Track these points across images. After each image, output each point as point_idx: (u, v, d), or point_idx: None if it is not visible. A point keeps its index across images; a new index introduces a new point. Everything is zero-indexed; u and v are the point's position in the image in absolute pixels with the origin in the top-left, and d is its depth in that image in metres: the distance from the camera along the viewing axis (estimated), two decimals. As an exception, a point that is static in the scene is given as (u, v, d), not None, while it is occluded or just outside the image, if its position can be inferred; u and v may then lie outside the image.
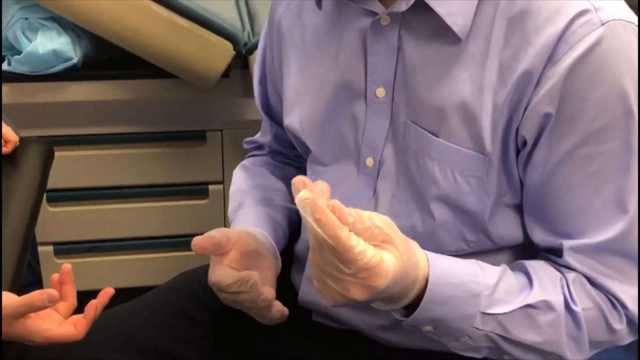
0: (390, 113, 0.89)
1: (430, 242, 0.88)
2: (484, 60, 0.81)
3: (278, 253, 1.00)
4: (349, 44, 0.90)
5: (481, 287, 0.81)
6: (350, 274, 0.72)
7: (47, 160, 1.25)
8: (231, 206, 1.11)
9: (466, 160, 0.84)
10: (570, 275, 0.85)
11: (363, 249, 0.71)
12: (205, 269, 1.17)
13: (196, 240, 0.90)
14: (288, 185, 1.09)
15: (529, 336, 0.83)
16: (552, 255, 0.88)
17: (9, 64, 1.65)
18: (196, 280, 1.14)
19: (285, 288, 1.07)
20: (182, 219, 1.92)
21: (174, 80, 1.71)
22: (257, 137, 1.20)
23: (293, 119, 0.99)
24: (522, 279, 0.85)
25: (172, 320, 1.09)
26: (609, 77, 0.77)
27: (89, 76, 1.70)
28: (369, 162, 0.92)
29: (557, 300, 0.83)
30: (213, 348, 1.08)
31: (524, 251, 0.93)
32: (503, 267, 0.85)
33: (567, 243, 0.85)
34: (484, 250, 0.91)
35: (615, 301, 0.85)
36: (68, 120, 1.75)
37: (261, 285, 0.89)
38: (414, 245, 0.80)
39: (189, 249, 2.13)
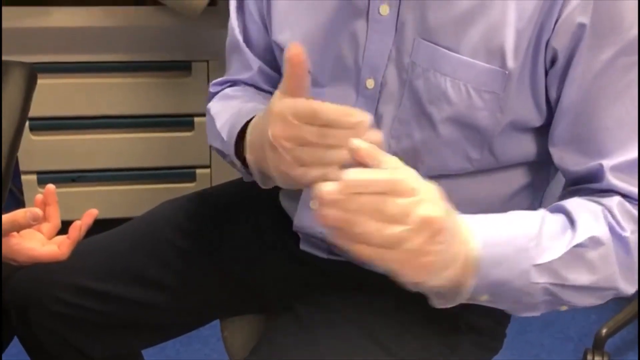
0: (395, 31, 0.87)
1: (432, 162, 0.87)
2: None
3: None
4: None
5: (527, 239, 0.79)
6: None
7: (30, 84, 1.22)
8: (219, 122, 0.98)
9: (481, 74, 0.83)
10: (614, 202, 0.83)
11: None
12: (189, 198, 1.17)
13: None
14: None
15: (584, 277, 0.81)
16: (589, 182, 0.86)
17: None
18: (180, 208, 1.14)
19: (275, 214, 1.07)
20: (167, 151, 1.90)
21: (160, 7, 1.67)
22: (231, 76, 1.08)
23: (284, 38, 0.96)
24: (561, 219, 0.83)
25: (155, 247, 1.09)
26: None
27: (74, 1, 1.66)
28: (370, 83, 0.90)
29: (603, 233, 0.81)
30: (195, 274, 1.08)
31: (529, 170, 0.93)
32: (542, 213, 0.83)
33: (607, 163, 0.83)
34: (486, 169, 0.90)
35: None
36: (52, 47, 1.72)
37: None
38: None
39: (174, 181, 2.14)
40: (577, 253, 0.80)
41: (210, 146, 1.03)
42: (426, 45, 0.85)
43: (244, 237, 1.10)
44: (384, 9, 0.86)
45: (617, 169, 0.84)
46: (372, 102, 0.91)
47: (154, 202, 1.19)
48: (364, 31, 0.89)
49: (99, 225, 0.93)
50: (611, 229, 0.81)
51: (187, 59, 1.80)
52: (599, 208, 0.83)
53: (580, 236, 0.80)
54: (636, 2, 0.78)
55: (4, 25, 1.63)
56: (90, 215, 0.88)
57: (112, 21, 1.70)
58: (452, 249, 0.73)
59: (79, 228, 0.87)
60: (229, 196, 1.15)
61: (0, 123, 1.10)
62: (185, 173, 1.93)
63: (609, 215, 0.82)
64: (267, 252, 1.08)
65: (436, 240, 0.70)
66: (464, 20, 0.83)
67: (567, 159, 0.87)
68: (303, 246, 1.04)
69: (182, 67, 1.81)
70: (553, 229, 0.81)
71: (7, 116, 1.11)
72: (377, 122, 0.91)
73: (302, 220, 1.01)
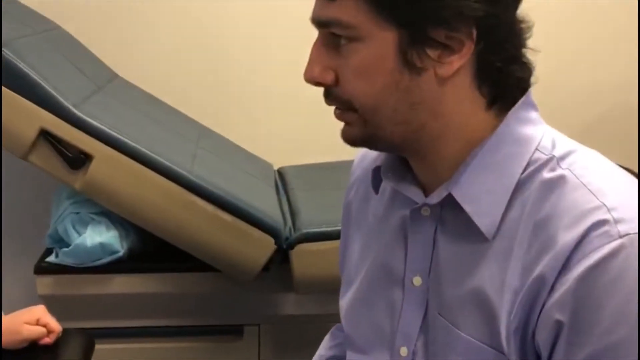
0: (426, 303, 0.89)
1: None
2: (507, 260, 0.81)
3: None
4: (393, 230, 0.92)
5: None
6: None
7: (87, 353, 1.25)
8: None
9: (488, 358, 0.82)
10: None
11: None
12: None
13: None
14: None
15: None
16: None
17: (57, 256, 1.69)
18: None
19: None
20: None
21: (213, 273, 1.73)
22: None
23: (343, 301, 0.99)
24: None
25: None
26: (624, 289, 0.75)
27: (132, 269, 1.73)
28: (403, 351, 0.90)
29: None
30: None
31: None
32: None
33: None
34: None
35: None
36: (109, 313, 1.76)
37: None
38: None
39: None
40: None
41: None
42: (442, 321, 0.86)
43: None
44: (417, 280, 0.89)
45: None
46: None
47: None
48: (400, 300, 0.91)
49: None
50: None
51: (239, 322, 1.83)
52: None
53: None
54: (619, 305, 0.75)
55: (66, 292, 1.70)
56: None
57: (168, 287, 1.75)
58: None
59: None
60: None
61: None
62: None
63: None
64: None
65: None
66: (468, 301, 0.84)
67: None
68: None
69: (234, 331, 1.83)
70: None
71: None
72: None
73: None
